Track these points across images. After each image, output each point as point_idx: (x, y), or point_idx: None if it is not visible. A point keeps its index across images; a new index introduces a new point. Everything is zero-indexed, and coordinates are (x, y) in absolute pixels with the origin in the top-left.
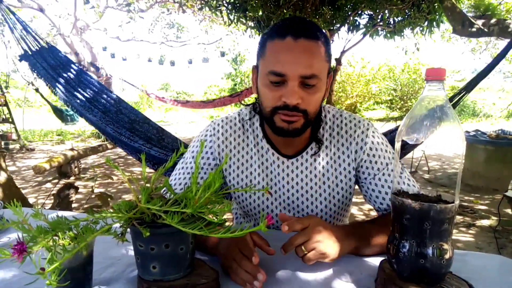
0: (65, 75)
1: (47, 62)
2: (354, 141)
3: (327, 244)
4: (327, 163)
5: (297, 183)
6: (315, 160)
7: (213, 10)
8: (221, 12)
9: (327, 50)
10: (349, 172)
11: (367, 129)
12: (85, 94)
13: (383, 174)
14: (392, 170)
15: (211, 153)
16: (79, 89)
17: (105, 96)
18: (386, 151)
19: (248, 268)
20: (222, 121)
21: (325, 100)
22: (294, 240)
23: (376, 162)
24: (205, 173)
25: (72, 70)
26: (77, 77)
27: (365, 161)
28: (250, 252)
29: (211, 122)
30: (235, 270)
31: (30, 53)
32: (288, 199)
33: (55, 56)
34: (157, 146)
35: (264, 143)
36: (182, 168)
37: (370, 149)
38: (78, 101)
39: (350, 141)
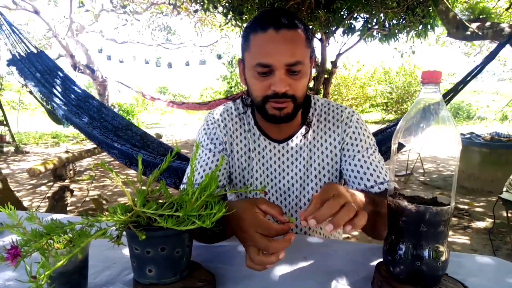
0: (51, 80)
1: (35, 67)
2: (340, 125)
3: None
4: (315, 146)
5: (288, 167)
6: (304, 144)
7: (209, 6)
8: (217, 10)
9: (307, 36)
10: (336, 154)
11: (352, 115)
12: (71, 100)
13: (363, 156)
14: (371, 155)
15: (216, 138)
16: (66, 94)
17: (88, 103)
18: (368, 137)
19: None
20: (219, 109)
21: (311, 83)
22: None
23: (357, 145)
24: (214, 155)
25: (59, 76)
26: (63, 83)
27: (347, 143)
28: (269, 230)
29: (208, 113)
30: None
31: (18, 57)
32: (280, 182)
33: (43, 61)
34: (144, 149)
35: (256, 129)
36: (199, 162)
37: (353, 132)
38: (64, 106)
39: (337, 125)
